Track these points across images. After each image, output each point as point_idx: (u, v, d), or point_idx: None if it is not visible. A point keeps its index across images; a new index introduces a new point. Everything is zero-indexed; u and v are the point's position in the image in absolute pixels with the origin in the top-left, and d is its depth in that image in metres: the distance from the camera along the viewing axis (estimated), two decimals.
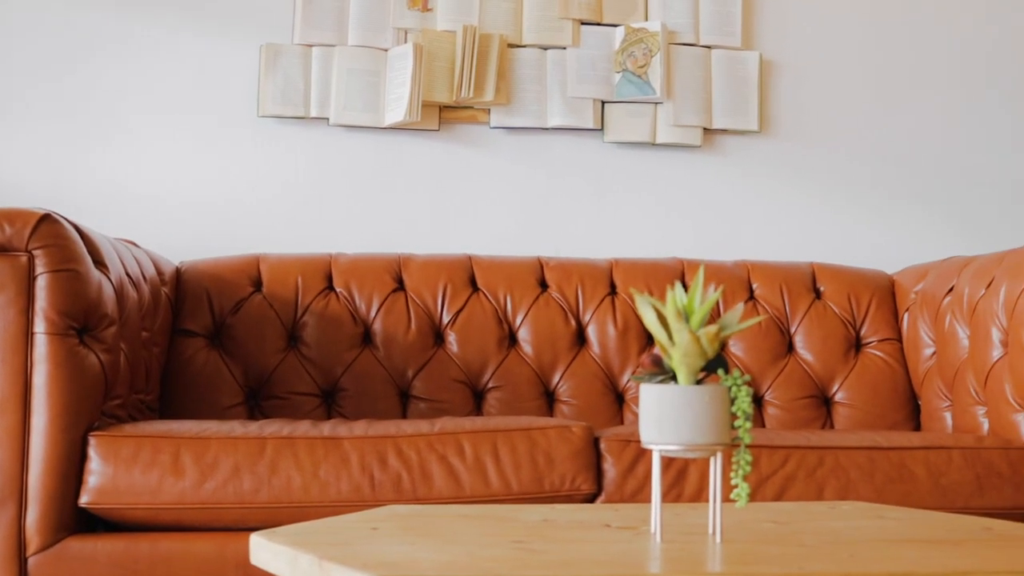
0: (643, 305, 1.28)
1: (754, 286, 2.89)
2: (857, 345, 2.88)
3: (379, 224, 3.07)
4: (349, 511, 1.98)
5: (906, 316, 2.89)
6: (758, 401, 2.81)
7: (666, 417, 1.28)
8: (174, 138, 3.05)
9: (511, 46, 3.10)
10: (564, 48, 3.11)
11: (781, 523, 1.50)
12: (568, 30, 3.11)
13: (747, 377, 1.29)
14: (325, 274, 2.78)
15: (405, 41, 3.05)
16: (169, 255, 2.82)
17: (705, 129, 3.16)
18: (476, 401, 2.73)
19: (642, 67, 3.10)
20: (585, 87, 3.10)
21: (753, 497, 2.12)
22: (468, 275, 2.82)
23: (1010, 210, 3.33)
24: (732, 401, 1.30)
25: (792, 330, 2.86)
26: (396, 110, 2.99)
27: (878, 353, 2.86)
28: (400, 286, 2.79)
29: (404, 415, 2.69)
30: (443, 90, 3.04)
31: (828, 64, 3.28)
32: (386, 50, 3.05)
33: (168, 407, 2.60)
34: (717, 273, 2.88)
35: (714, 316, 2.74)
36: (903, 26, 3.33)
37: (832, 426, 2.80)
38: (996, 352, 2.50)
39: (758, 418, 2.79)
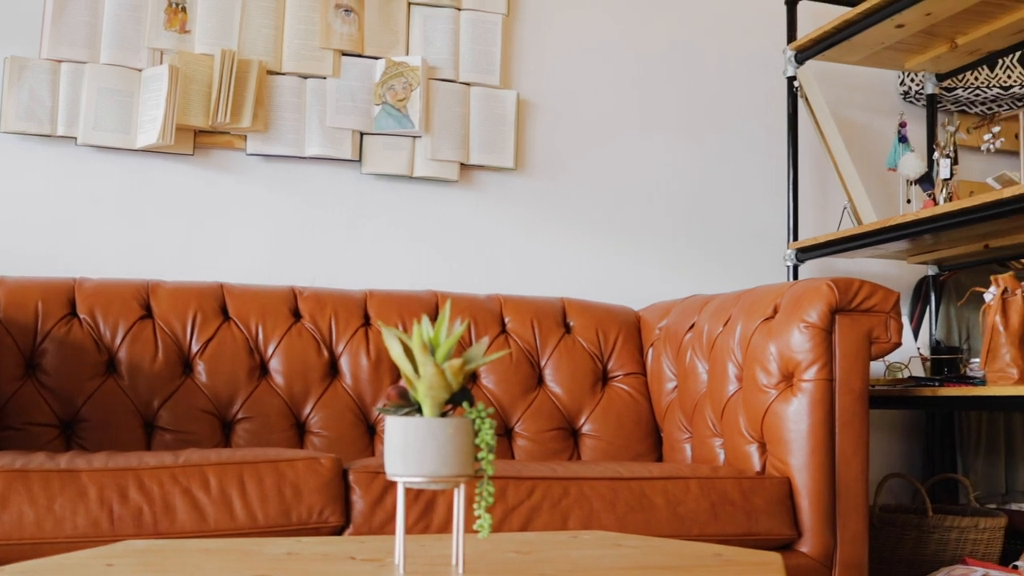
0: (389, 337, 1.28)
1: (506, 319, 2.94)
2: (604, 378, 2.97)
3: (127, 248, 2.97)
4: (86, 547, 1.90)
5: (650, 351, 3.01)
6: (508, 433, 2.86)
7: (411, 449, 1.28)
8: None
9: (270, 73, 3.07)
10: (324, 78, 3.11)
11: (524, 553, 1.53)
12: (329, 60, 3.10)
13: (491, 410, 1.32)
14: (68, 299, 2.67)
15: (161, 62, 2.97)
16: None
17: (462, 164, 3.21)
18: (225, 432, 2.67)
19: (402, 100, 3.13)
20: (344, 118, 3.10)
21: (499, 527, 2.15)
22: (219, 303, 2.76)
23: (748, 251, 3.52)
24: (476, 433, 1.32)
25: (542, 363, 2.93)
26: (149, 132, 2.91)
27: (624, 386, 2.96)
28: (148, 313, 2.71)
29: (149, 447, 2.61)
30: (199, 114, 2.98)
31: (582, 106, 3.39)
32: (140, 70, 2.96)
33: None
34: (470, 306, 2.92)
35: (465, 349, 2.77)
36: (654, 72, 3.48)
37: (579, 457, 2.87)
38: (732, 386, 2.63)
39: (508, 450, 2.84)
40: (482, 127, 3.23)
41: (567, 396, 2.90)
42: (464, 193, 3.24)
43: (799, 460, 2.41)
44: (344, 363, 2.79)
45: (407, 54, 3.18)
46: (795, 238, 3.39)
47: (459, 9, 3.24)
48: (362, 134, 3.13)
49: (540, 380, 2.92)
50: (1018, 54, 3.57)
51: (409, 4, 3.20)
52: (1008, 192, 2.64)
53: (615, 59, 3.45)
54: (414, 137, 3.15)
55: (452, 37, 3.22)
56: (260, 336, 2.75)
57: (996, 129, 3.11)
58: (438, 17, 3.22)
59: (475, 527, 1.35)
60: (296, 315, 2.81)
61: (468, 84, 3.23)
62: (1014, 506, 3.54)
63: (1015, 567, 2.81)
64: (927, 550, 3.08)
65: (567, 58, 3.40)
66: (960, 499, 3.48)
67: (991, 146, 3.09)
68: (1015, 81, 3.59)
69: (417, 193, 3.20)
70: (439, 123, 3.17)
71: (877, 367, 3.14)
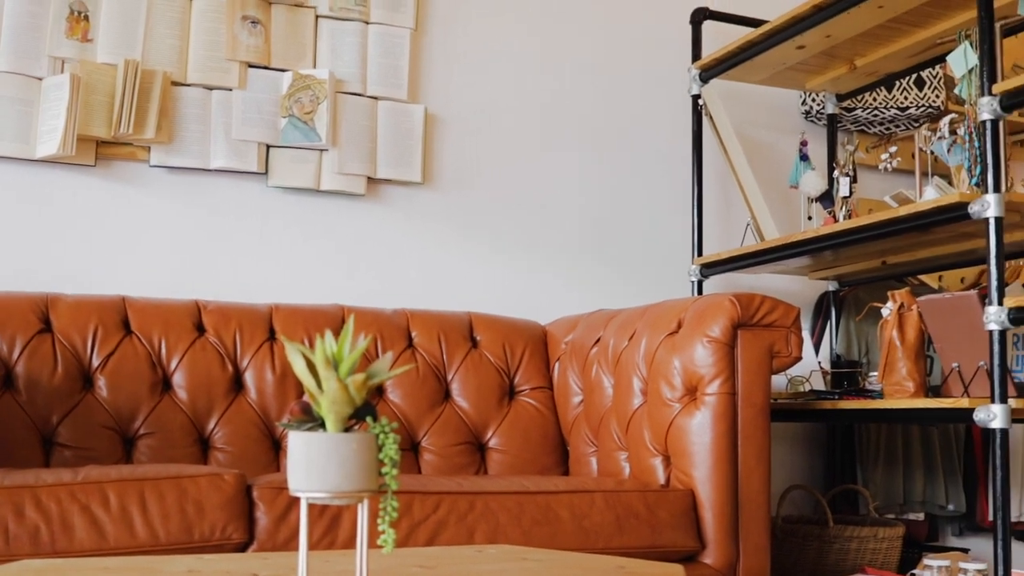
0: (292, 352, 1.28)
1: (413, 334, 2.94)
2: (511, 393, 2.98)
3: (26, 261, 2.90)
4: None
5: (557, 365, 3.03)
6: (415, 447, 2.85)
7: (314, 464, 1.28)
8: None
9: (175, 84, 3.03)
10: (230, 90, 3.08)
11: (428, 568, 1.53)
12: (235, 72, 3.08)
13: (394, 424, 1.31)
14: None
15: (62, 71, 2.92)
16: None
17: (369, 178, 3.20)
18: (126, 448, 2.63)
19: (308, 113, 3.11)
20: (250, 130, 3.07)
21: (405, 542, 2.15)
22: (121, 317, 2.72)
23: (653, 266, 3.56)
24: (380, 448, 1.32)
25: (449, 378, 2.93)
26: (49, 142, 2.86)
27: (530, 401, 2.97)
28: (47, 327, 2.65)
29: (47, 464, 2.55)
30: (101, 124, 2.93)
31: (490, 120, 3.41)
32: (41, 79, 2.90)
33: None
34: (376, 321, 2.91)
35: (370, 363, 2.76)
36: (563, 88, 3.51)
37: (486, 471, 2.88)
38: (637, 400, 2.65)
39: (415, 464, 2.83)
40: (390, 141, 3.22)
41: (474, 410, 2.91)
42: (371, 207, 3.23)
43: (702, 473, 2.44)
44: (249, 378, 2.76)
45: (314, 67, 3.17)
46: (699, 254, 3.43)
47: (367, 23, 3.24)
48: (268, 147, 3.10)
49: (447, 395, 2.92)
50: (914, 76, 3.67)
51: (317, 17, 3.19)
52: (904, 210, 2.70)
53: (523, 75, 3.47)
54: (321, 150, 3.14)
55: (360, 51, 3.21)
56: (163, 350, 2.71)
57: (893, 149, 3.18)
58: (346, 30, 3.21)
59: (379, 542, 1.35)
60: (200, 329, 2.77)
61: (376, 98, 3.23)
62: (911, 516, 3.63)
63: (912, 575, 2.88)
64: (828, 560, 3.14)
65: (475, 73, 3.41)
66: (860, 509, 3.55)
67: (888, 165, 3.17)
68: (911, 102, 3.69)
69: (324, 207, 3.18)
70: (346, 136, 3.16)
71: (779, 381, 3.19)
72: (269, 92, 3.11)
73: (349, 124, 3.17)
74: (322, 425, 1.32)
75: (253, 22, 3.10)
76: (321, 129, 3.11)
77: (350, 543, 2.12)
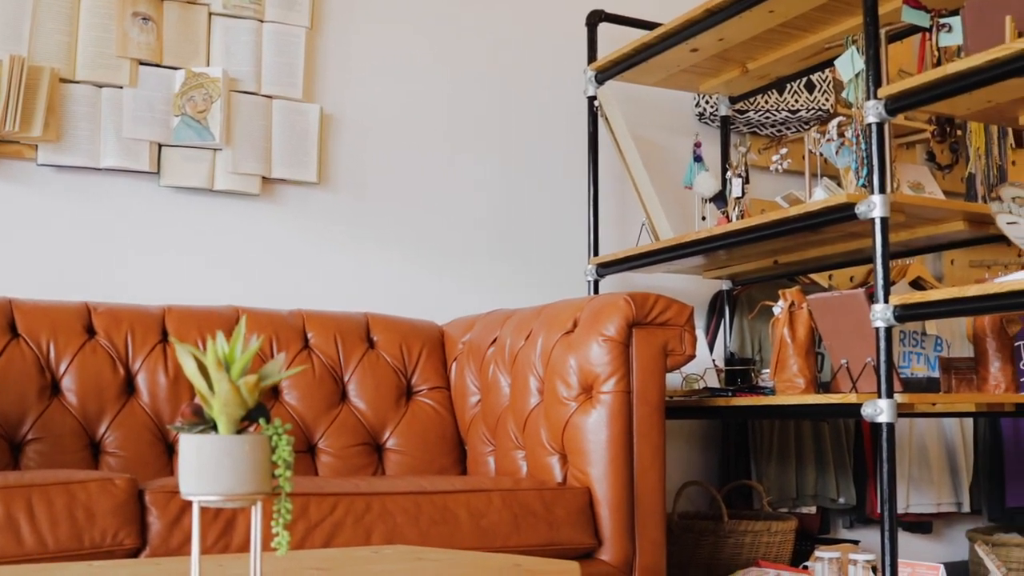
0: (183, 354, 1.26)
1: (309, 335, 2.92)
2: (408, 393, 2.98)
3: None
4: None
5: (454, 365, 3.03)
6: (311, 449, 2.83)
7: (205, 467, 1.26)
8: None
9: (63, 81, 2.96)
10: (121, 87, 3.02)
11: (324, 569, 1.52)
12: (125, 69, 3.02)
13: (288, 426, 1.31)
14: None
15: None
16: None
17: (264, 178, 3.17)
18: (13, 454, 2.56)
19: (202, 112, 3.07)
20: (141, 129, 3.02)
21: (302, 545, 2.13)
22: (7, 320, 2.65)
23: (550, 266, 3.58)
24: (273, 450, 1.31)
25: (346, 379, 2.91)
26: None
27: (428, 401, 2.97)
28: None
29: None
30: None
31: (387, 121, 3.39)
32: None
33: None
34: (272, 322, 2.88)
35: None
36: (461, 89, 3.51)
37: (384, 472, 2.87)
38: (534, 399, 2.67)
39: (311, 466, 2.81)
40: (285, 141, 3.19)
41: (371, 411, 2.89)
42: (266, 207, 3.20)
43: (599, 470, 2.47)
44: (141, 380, 2.71)
45: (208, 65, 3.13)
46: (596, 253, 3.46)
47: (262, 21, 3.20)
48: (160, 146, 3.05)
49: (344, 396, 2.91)
50: (805, 80, 3.74)
51: (210, 14, 3.15)
52: (795, 211, 2.76)
53: (421, 75, 3.47)
54: (214, 150, 3.10)
55: (254, 49, 3.18)
56: (52, 353, 2.65)
57: (784, 150, 3.25)
58: (240, 28, 3.17)
59: (273, 545, 1.34)
60: (90, 331, 2.72)
61: (270, 97, 3.19)
62: (804, 509, 3.70)
63: (805, 567, 2.94)
64: (723, 554, 3.19)
65: (373, 73, 3.39)
66: (754, 504, 3.61)
67: (779, 166, 3.23)
68: (802, 105, 3.76)
69: (217, 207, 3.14)
70: (240, 136, 3.12)
71: (675, 379, 3.23)
72: (161, 90, 3.06)
73: (243, 123, 3.13)
74: (214, 427, 1.31)
75: (144, 19, 3.05)
76: (215, 128, 3.07)
77: (244, 547, 2.10)
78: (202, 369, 1.27)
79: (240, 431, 1.30)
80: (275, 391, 2.83)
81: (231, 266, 3.14)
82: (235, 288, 3.13)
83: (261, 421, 1.31)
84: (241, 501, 1.29)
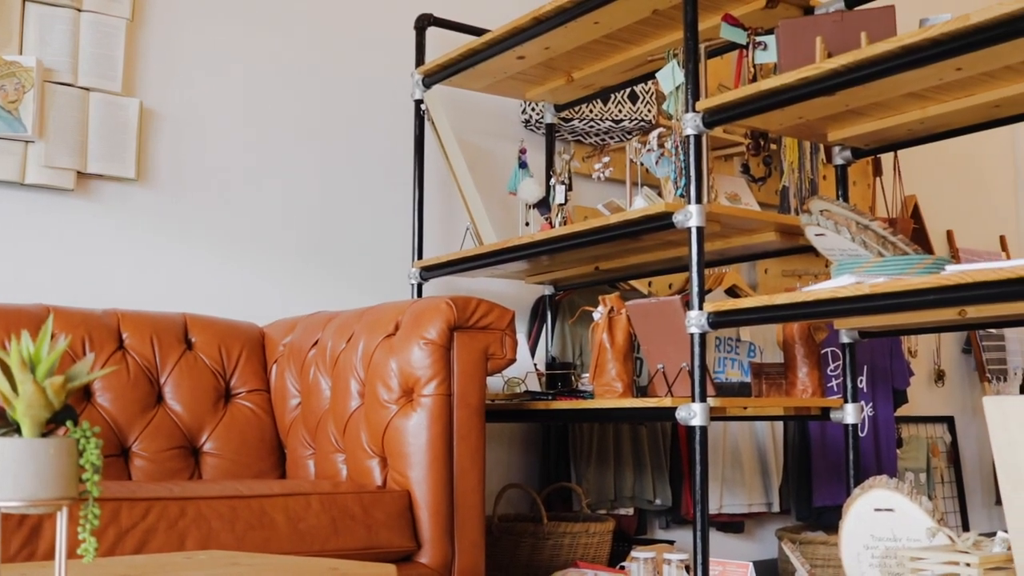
0: None
1: (124, 335, 2.84)
2: (227, 395, 2.92)
3: None
4: None
5: (275, 367, 2.99)
6: (125, 453, 2.75)
7: (8, 472, 1.22)
8: None
9: None
10: None
11: None
12: None
13: (96, 428, 1.27)
14: None
15: None
16: None
17: (79, 173, 3.07)
18: None
19: (13, 102, 2.95)
20: None
21: (112, 551, 2.07)
22: None
23: (374, 269, 3.57)
24: (81, 454, 1.27)
25: (162, 380, 2.84)
26: None
27: (247, 403, 2.92)
28: None
29: None
30: None
31: (210, 118, 3.33)
32: None
33: None
34: (85, 321, 2.79)
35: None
36: (288, 88, 3.47)
37: (200, 476, 2.81)
38: (354, 402, 2.66)
39: (124, 470, 2.73)
40: (102, 135, 3.09)
41: (188, 414, 2.83)
42: (81, 203, 3.09)
43: (418, 474, 2.47)
44: None
45: (20, 53, 3.01)
46: (420, 257, 3.47)
47: (79, 10, 3.10)
48: None
49: (160, 398, 2.84)
50: (628, 91, 3.83)
51: (24, 1, 3.03)
52: (615, 218, 2.82)
53: (245, 74, 3.41)
54: (26, 142, 2.98)
55: (71, 39, 3.07)
56: None
57: (606, 159, 3.31)
58: (56, 17, 3.06)
59: (79, 551, 1.30)
60: None
61: (88, 89, 3.09)
62: (622, 511, 3.78)
63: (622, 567, 3.00)
64: (542, 556, 3.24)
65: (196, 70, 3.32)
66: (574, 506, 3.67)
67: (602, 174, 3.30)
68: (625, 115, 3.85)
69: (29, 201, 3.02)
70: (55, 128, 3.01)
71: (496, 382, 3.26)
72: None
73: (58, 115, 3.02)
74: (17, 430, 1.26)
75: None
76: (27, 119, 2.95)
77: (52, 555, 2.03)
78: (5, 369, 1.23)
79: (46, 434, 1.26)
80: (87, 393, 2.74)
81: (43, 264, 3.03)
82: (47, 286, 3.01)
83: (68, 423, 1.27)
84: (45, 507, 1.25)
